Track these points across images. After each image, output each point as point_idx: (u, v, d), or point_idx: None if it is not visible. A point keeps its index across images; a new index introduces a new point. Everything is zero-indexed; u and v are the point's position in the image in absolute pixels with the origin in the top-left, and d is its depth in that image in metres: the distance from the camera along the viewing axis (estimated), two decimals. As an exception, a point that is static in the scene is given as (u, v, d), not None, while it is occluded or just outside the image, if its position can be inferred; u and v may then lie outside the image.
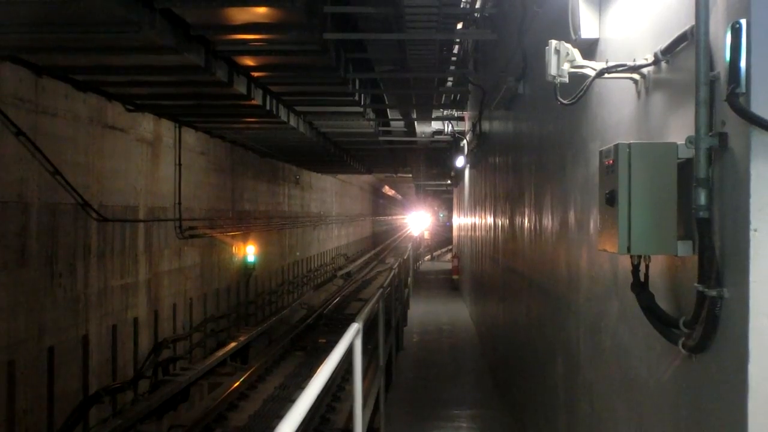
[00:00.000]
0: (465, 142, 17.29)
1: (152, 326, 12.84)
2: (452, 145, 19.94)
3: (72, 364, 10.01)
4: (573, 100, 3.97)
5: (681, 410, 2.99)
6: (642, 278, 3.14)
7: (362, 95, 12.74)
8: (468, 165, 16.88)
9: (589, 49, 4.30)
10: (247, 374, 12.82)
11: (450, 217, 42.93)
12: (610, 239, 3.04)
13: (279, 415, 9.65)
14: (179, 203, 13.96)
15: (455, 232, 27.89)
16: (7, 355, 8.52)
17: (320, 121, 15.62)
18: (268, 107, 11.80)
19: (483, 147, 12.59)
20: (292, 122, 13.82)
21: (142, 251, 12.44)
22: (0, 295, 8.40)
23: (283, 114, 12.95)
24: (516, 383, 7.91)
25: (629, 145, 2.95)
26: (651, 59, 3.28)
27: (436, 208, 57.56)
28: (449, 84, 15.68)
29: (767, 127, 2.38)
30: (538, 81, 5.99)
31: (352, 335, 4.06)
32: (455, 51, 13.88)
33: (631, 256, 3.08)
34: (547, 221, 5.96)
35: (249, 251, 18.86)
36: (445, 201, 51.38)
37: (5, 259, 8.52)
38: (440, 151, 22.59)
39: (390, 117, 16.81)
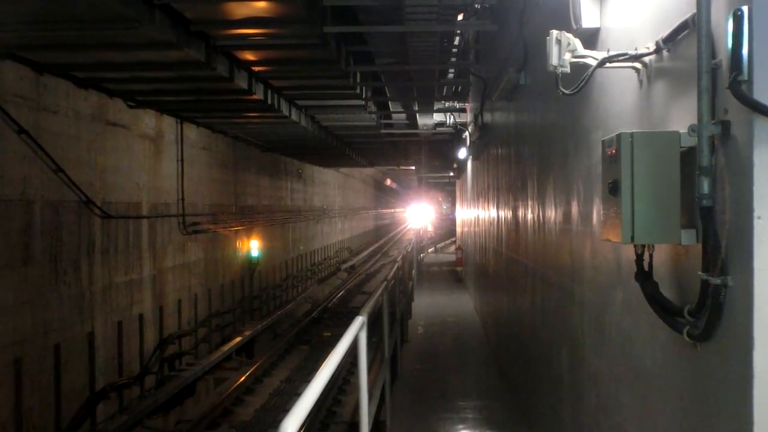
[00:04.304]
0: (467, 133, 17.27)
1: (157, 322, 12.88)
2: (454, 136, 19.91)
3: (78, 360, 10.04)
4: (575, 90, 3.96)
5: (686, 399, 2.99)
6: (646, 267, 3.14)
7: (363, 88, 12.72)
8: (470, 156, 16.86)
9: (591, 38, 4.28)
10: (252, 368, 12.86)
11: (453, 209, 42.91)
12: (614, 229, 3.04)
13: (285, 409, 9.68)
14: (182, 199, 13.97)
15: (458, 224, 27.89)
16: (14, 352, 8.54)
17: (322, 115, 15.61)
18: (269, 101, 11.80)
19: (485, 138, 12.57)
20: (294, 116, 13.82)
21: (146, 247, 12.46)
22: (5, 293, 8.43)
23: (284, 108, 12.94)
24: (521, 374, 7.92)
25: (632, 135, 2.94)
26: (653, 48, 3.27)
27: (439, 200, 57.51)
28: (450, 76, 15.65)
29: (770, 114, 2.37)
30: (540, 71, 5.97)
31: (356, 328, 4.06)
32: (456, 42, 13.84)
33: (635, 246, 3.07)
34: (550, 212, 5.96)
35: (253, 246, 18.87)
36: (449, 193, 51.33)
37: (10, 257, 8.54)
38: (442, 143, 22.56)
39: (391, 109, 16.79)
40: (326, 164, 30.18)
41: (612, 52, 3.58)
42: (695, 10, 2.67)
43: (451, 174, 30.44)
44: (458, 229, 28.21)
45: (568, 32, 3.63)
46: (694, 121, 2.66)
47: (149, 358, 11.98)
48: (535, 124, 6.89)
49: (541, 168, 6.51)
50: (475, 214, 16.18)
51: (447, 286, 21.72)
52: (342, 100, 13.32)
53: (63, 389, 9.55)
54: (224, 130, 16.44)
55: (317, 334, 17.05)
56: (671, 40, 3.07)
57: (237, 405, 11.33)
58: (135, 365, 11.77)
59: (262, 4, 7.33)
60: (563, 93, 3.96)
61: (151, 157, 12.75)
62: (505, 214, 9.56)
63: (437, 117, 19.00)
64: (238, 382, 11.93)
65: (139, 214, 12.16)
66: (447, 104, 18.09)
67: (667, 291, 3.09)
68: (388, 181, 60.45)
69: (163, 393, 10.96)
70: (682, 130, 2.82)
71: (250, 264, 18.84)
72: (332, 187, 34.93)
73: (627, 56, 3.49)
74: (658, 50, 3.22)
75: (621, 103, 3.84)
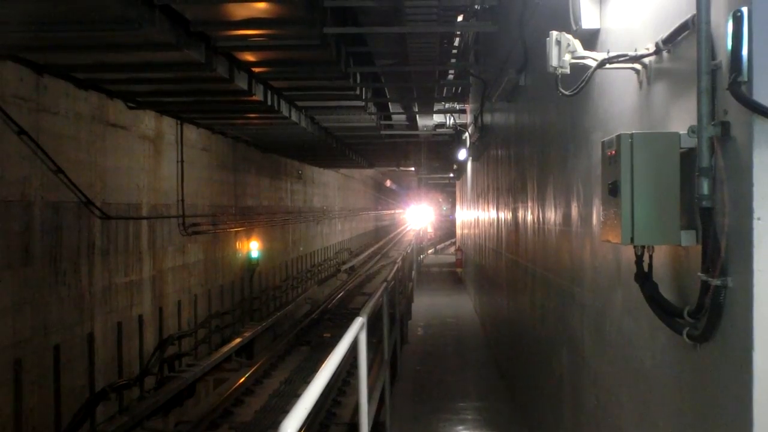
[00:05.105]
0: (467, 134, 17.27)
1: (157, 323, 12.87)
2: (454, 138, 19.92)
3: (78, 361, 10.03)
4: (574, 91, 3.96)
5: (686, 400, 2.99)
6: (646, 269, 3.14)
7: (363, 89, 12.72)
8: (470, 158, 16.86)
9: (590, 39, 4.29)
10: (252, 369, 12.86)
11: (453, 211, 42.90)
12: (614, 230, 3.04)
13: (285, 410, 9.68)
14: (182, 200, 13.97)
15: (458, 225, 27.89)
16: (14, 353, 8.54)
17: (322, 116, 15.61)
18: (269, 102, 11.80)
19: (485, 139, 12.57)
20: (294, 117, 13.82)
21: (146, 248, 12.46)
22: (5, 293, 8.42)
23: (284, 109, 12.94)
24: (521, 375, 7.92)
25: (631, 135, 2.94)
26: (652, 49, 3.27)
27: (439, 201, 57.50)
28: (450, 77, 15.65)
29: (769, 115, 2.37)
30: (540, 72, 5.98)
31: (356, 329, 4.05)
32: (456, 43, 13.85)
33: (635, 247, 3.07)
34: (550, 213, 5.96)
35: (253, 247, 18.87)
36: (448, 194, 51.33)
37: (10, 258, 8.54)
38: (442, 144, 22.56)
39: (391, 110, 16.79)
40: (326, 165, 30.17)
41: (612, 53, 3.58)
42: (695, 11, 2.67)
43: (451, 175, 30.44)
44: (458, 231, 28.21)
45: (567, 33, 3.63)
46: (693, 122, 2.66)
47: (149, 359, 11.98)
48: (534, 125, 6.90)
49: (540, 169, 6.51)
50: (475, 216, 16.18)
51: (447, 287, 21.71)
52: (342, 101, 13.32)
53: (63, 390, 9.54)
54: (224, 131, 16.43)
55: (317, 335, 17.05)
56: (671, 41, 3.07)
57: (237, 406, 11.33)
58: (135, 366, 11.76)
59: (262, 6, 7.32)
60: (563, 94, 3.97)
61: (151, 158, 12.75)
62: (505, 215, 9.56)
63: (437, 118, 19.00)
64: (238, 383, 11.93)
65: (138, 215, 12.16)
66: (447, 105, 18.10)
67: (666, 292, 3.09)
68: (388, 182, 60.44)
69: (163, 394, 10.96)
70: (682, 131, 2.82)
71: (250, 265, 18.83)
72: (332, 188, 34.92)
73: (627, 57, 3.49)
74: (657, 51, 3.23)
75: (621, 104, 3.84)
